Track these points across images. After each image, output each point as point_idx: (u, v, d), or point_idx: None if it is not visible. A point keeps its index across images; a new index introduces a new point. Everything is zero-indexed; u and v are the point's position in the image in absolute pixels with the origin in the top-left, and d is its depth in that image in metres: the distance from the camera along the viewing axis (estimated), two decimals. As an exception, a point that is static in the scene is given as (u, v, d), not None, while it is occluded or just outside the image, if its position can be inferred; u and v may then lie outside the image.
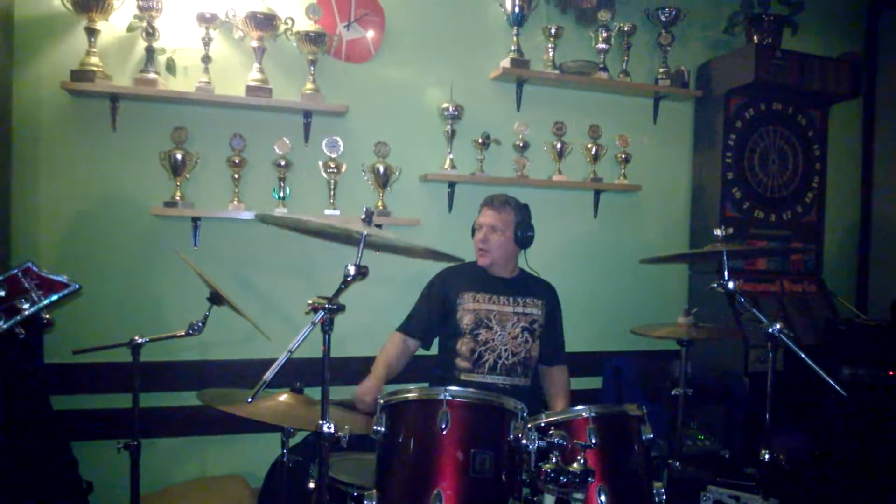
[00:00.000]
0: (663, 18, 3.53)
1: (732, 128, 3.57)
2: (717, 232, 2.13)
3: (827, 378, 1.73)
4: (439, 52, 3.28)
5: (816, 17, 3.86)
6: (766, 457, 1.96)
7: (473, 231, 2.85)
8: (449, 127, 3.17)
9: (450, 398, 1.78)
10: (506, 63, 3.23)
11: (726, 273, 1.97)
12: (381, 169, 3.03)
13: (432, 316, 2.78)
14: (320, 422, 1.76)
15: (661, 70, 3.55)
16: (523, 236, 2.76)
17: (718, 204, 3.54)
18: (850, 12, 4.11)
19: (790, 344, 1.81)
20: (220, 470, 2.97)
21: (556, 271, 3.00)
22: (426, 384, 2.59)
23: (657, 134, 3.65)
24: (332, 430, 1.77)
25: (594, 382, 3.46)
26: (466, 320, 2.71)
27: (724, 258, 1.99)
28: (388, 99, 3.19)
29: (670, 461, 2.51)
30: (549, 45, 3.33)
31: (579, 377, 3.47)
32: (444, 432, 1.75)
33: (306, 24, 2.90)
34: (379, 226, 2.96)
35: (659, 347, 3.49)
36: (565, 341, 2.90)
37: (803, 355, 1.77)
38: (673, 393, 2.60)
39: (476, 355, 2.68)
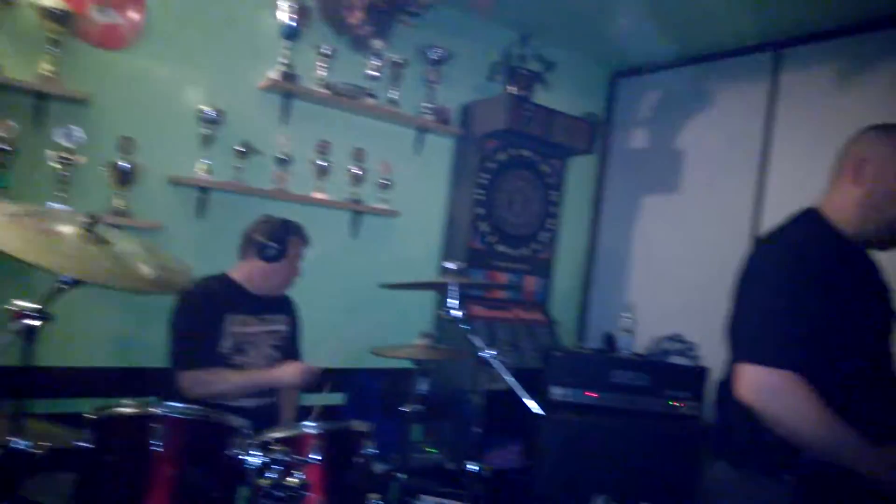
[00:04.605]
0: (433, 57, 3.75)
1: (486, 168, 3.89)
2: (448, 265, 2.31)
3: (522, 398, 1.96)
4: (205, 52, 3.15)
5: (567, 77, 4.31)
6: (475, 468, 2.16)
7: None
8: (207, 130, 3.06)
9: (166, 414, 1.72)
10: (274, 74, 3.21)
11: (448, 302, 2.15)
12: (124, 166, 2.83)
13: (213, 339, 2.59)
14: (9, 437, 1.59)
15: (426, 105, 3.76)
16: None
17: (467, 236, 3.83)
18: (595, 78, 4.66)
19: (496, 368, 2.02)
20: None
21: (309, 286, 3.01)
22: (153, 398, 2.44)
23: (419, 164, 3.85)
24: (25, 447, 1.61)
25: (340, 398, 3.52)
26: (227, 345, 2.60)
27: (447, 290, 2.16)
28: (141, 93, 2.99)
29: (398, 474, 2.63)
30: (322, 64, 3.37)
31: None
32: (158, 449, 1.68)
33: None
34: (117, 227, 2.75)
35: (402, 366, 3.64)
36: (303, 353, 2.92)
37: (507, 377, 1.99)
38: (404, 409, 2.73)
39: None
